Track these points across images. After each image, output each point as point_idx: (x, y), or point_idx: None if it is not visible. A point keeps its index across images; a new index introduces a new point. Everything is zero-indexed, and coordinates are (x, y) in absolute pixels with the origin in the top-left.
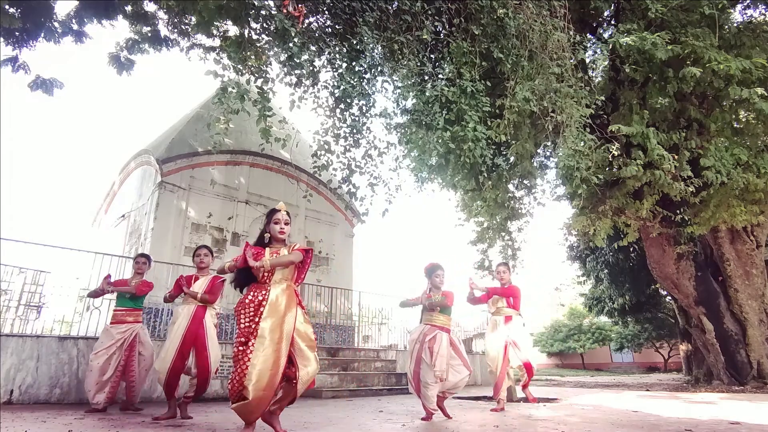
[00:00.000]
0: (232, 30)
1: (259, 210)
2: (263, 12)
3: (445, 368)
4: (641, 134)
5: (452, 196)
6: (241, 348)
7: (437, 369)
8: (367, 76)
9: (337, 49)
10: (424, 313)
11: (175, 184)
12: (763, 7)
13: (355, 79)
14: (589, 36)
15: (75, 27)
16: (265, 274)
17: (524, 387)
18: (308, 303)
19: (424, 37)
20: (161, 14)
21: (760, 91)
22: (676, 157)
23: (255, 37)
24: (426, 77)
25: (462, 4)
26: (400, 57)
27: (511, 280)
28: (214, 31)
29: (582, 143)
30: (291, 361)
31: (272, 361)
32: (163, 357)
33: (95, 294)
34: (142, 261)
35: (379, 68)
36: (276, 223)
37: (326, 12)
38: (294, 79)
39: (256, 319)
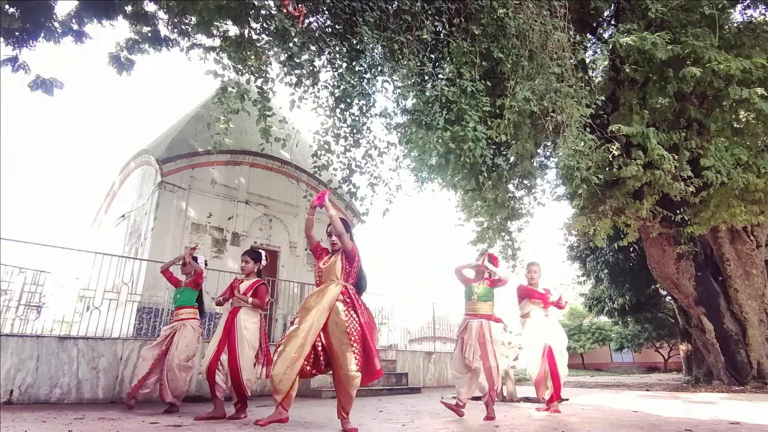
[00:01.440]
0: (232, 30)
1: (259, 210)
2: (263, 12)
3: (472, 357)
4: (641, 134)
5: (452, 196)
6: (286, 333)
7: (465, 357)
8: (367, 76)
9: (337, 49)
10: (465, 304)
11: (175, 184)
12: (763, 7)
13: (355, 79)
14: (589, 36)
15: (75, 27)
16: (319, 274)
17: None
18: None
19: (424, 37)
20: (161, 14)
21: (760, 91)
22: (676, 157)
23: (255, 37)
24: (426, 77)
25: (462, 4)
26: (400, 57)
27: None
28: (214, 31)
29: (582, 143)
30: (319, 357)
31: (297, 345)
32: (205, 357)
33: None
34: (187, 254)
35: (379, 68)
36: (329, 236)
37: (326, 12)
38: (294, 79)
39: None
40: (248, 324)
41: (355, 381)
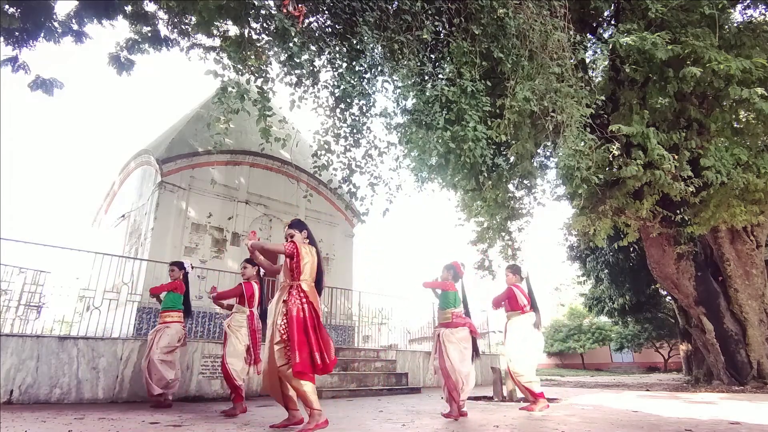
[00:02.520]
0: (232, 30)
1: (259, 210)
2: (263, 12)
3: (431, 366)
4: (641, 134)
5: (452, 196)
6: None
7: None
8: (367, 75)
9: (337, 49)
10: None
11: (175, 184)
12: (763, 7)
13: (355, 79)
14: (589, 36)
15: (75, 27)
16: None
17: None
18: None
19: (424, 36)
20: (161, 14)
21: (760, 91)
22: (676, 157)
23: (255, 37)
24: (426, 77)
25: (462, 3)
26: (400, 57)
27: (513, 282)
28: (214, 31)
29: (582, 143)
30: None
31: (267, 352)
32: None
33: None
34: (170, 268)
35: (379, 68)
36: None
37: (326, 12)
38: (294, 79)
39: None
40: (239, 326)
41: (288, 373)
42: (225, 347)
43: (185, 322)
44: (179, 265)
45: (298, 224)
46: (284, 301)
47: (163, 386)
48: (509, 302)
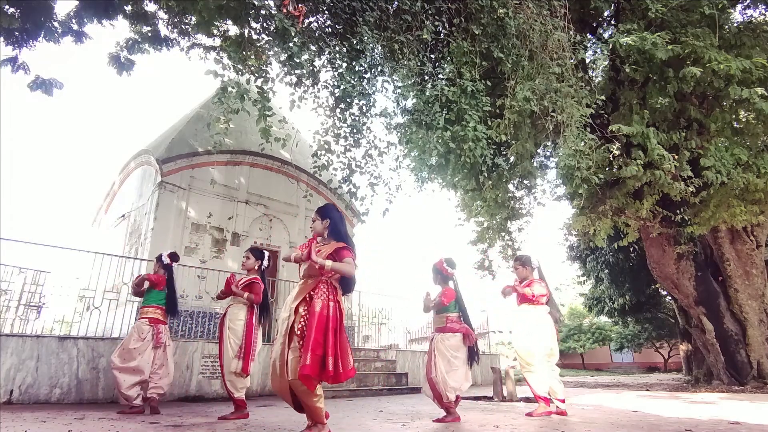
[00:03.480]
0: (232, 30)
1: (259, 210)
2: (263, 12)
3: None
4: (641, 134)
5: (452, 196)
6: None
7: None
8: (367, 75)
9: (337, 49)
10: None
11: (175, 184)
12: (763, 7)
13: (355, 79)
14: (589, 36)
15: (75, 27)
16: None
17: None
18: None
19: (424, 36)
20: (161, 14)
21: (760, 91)
22: (676, 157)
23: (255, 36)
24: (426, 77)
25: (462, 3)
26: (400, 57)
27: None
28: (214, 31)
29: (582, 143)
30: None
31: (278, 352)
32: None
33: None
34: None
35: (379, 68)
36: (314, 221)
37: (326, 12)
38: (294, 79)
39: None
40: (235, 319)
41: (300, 388)
42: (221, 355)
43: (165, 320)
44: (159, 258)
45: (323, 212)
46: (304, 300)
47: (126, 397)
48: (520, 295)
